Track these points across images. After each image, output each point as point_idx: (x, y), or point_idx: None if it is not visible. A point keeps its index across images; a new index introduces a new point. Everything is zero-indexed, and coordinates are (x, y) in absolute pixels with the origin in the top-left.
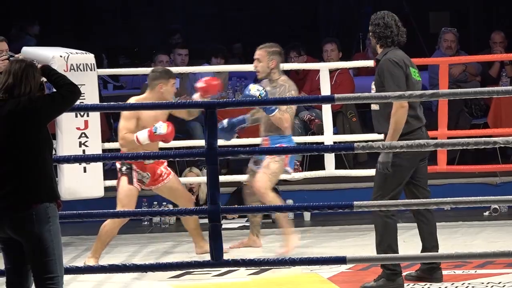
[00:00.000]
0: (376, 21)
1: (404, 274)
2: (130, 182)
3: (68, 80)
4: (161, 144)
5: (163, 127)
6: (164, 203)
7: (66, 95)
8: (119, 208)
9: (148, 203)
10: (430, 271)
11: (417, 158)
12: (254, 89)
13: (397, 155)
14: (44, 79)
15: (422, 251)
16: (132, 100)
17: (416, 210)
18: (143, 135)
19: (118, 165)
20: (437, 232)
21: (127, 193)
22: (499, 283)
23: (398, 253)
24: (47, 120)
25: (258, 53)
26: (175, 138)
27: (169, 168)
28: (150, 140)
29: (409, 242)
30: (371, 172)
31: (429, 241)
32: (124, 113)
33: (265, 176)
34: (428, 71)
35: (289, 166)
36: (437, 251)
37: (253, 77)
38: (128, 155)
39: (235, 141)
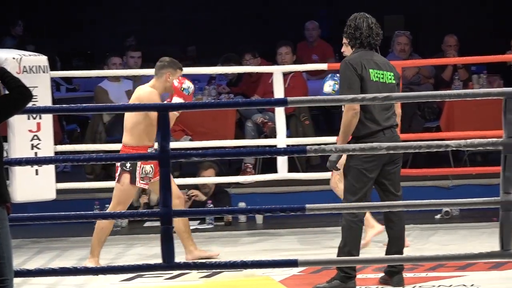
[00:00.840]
0: (348, 22)
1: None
2: (133, 181)
3: (21, 82)
4: (112, 147)
5: (191, 86)
6: None
7: (17, 97)
8: (113, 205)
9: (100, 205)
10: (390, 275)
11: (379, 161)
12: (326, 86)
13: (357, 158)
14: None
15: (385, 255)
16: (139, 89)
17: (383, 213)
18: (178, 100)
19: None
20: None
21: (127, 192)
22: (450, 286)
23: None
24: None
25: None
26: None
27: None
28: (186, 100)
29: None
30: (324, 175)
31: (393, 246)
32: (153, 98)
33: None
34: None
35: None
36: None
37: (206, 80)
38: (80, 157)
39: (188, 144)
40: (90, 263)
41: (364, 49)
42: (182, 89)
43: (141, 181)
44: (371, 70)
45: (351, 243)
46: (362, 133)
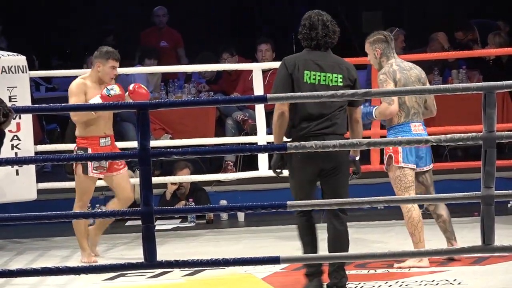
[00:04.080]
0: (302, 22)
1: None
2: (85, 171)
3: None
4: None
5: (115, 88)
6: (97, 205)
7: None
8: (76, 197)
9: None
10: (330, 274)
11: (313, 166)
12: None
13: (291, 157)
14: None
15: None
16: (79, 78)
17: (327, 212)
18: (96, 100)
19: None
20: (342, 242)
21: (83, 182)
22: (433, 281)
23: (315, 252)
24: None
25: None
26: None
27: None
28: (104, 101)
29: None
30: None
31: (330, 247)
32: (72, 90)
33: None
34: (367, 69)
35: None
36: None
37: (184, 78)
38: (60, 157)
39: (168, 142)
40: (83, 259)
41: (315, 50)
42: (105, 89)
43: (93, 171)
44: (306, 72)
45: (303, 237)
46: (293, 136)
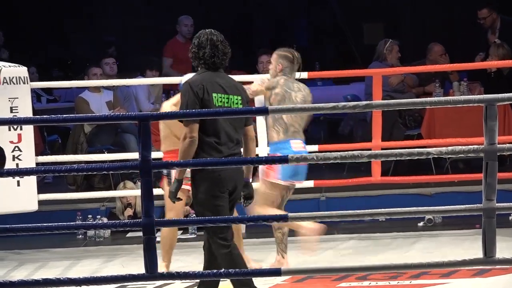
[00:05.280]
0: (193, 40)
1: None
2: (170, 183)
3: None
4: (94, 157)
5: None
6: (98, 216)
7: None
8: (166, 212)
9: (82, 216)
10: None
11: (223, 187)
12: None
13: (203, 186)
14: None
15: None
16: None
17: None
18: None
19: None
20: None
21: None
22: None
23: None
24: None
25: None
26: (109, 151)
27: None
28: None
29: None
30: (306, 183)
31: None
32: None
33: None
34: (365, 80)
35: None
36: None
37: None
38: (61, 168)
39: None
40: (160, 267)
41: (209, 70)
42: None
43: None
44: (214, 94)
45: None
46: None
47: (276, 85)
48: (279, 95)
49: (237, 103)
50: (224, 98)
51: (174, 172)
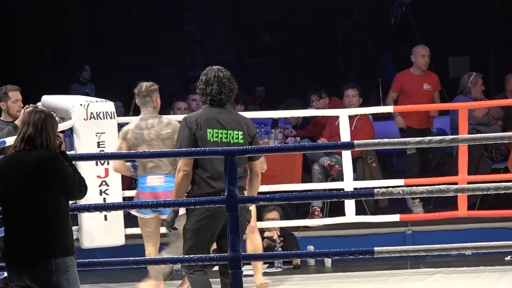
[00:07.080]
0: (201, 76)
1: None
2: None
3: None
4: None
5: None
6: None
7: (80, 184)
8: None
9: None
10: None
11: (214, 223)
12: None
13: (191, 218)
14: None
15: None
16: None
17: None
18: None
19: None
20: None
21: None
22: None
23: None
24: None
25: None
26: None
27: None
28: None
29: None
30: (392, 217)
31: None
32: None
33: None
34: (450, 114)
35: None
36: None
37: (270, 123)
38: (149, 202)
39: None
40: None
41: (212, 107)
42: None
43: None
44: (209, 130)
45: None
46: (196, 193)
47: (127, 131)
48: (131, 140)
49: (236, 138)
50: (221, 133)
51: None
